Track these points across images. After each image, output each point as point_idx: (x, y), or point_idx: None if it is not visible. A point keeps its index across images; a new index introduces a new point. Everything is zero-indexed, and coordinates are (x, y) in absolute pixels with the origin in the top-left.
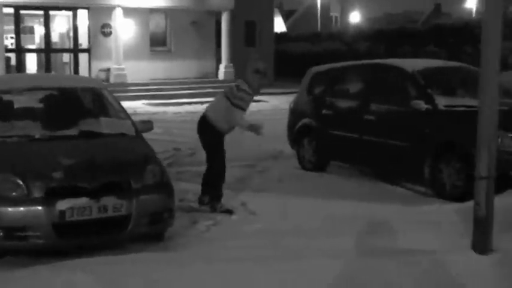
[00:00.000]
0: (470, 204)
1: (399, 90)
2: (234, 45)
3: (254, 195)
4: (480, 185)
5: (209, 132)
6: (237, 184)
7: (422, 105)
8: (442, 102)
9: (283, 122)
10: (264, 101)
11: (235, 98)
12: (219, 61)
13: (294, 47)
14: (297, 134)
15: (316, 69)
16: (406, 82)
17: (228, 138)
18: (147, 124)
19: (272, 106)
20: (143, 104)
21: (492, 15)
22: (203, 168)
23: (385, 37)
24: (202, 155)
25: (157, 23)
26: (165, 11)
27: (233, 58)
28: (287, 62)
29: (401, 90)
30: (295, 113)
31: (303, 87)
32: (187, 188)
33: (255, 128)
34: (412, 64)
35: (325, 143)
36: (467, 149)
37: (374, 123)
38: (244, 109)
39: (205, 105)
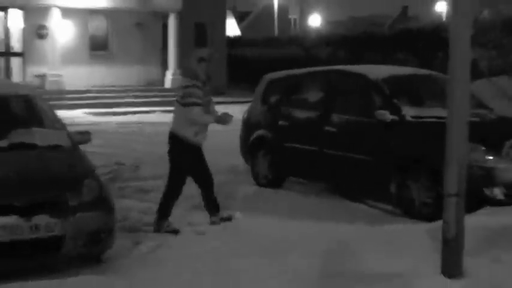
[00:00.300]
0: (440, 223)
1: (362, 100)
2: (183, 50)
3: (203, 214)
4: (449, 203)
5: (179, 145)
6: (184, 202)
7: (387, 116)
8: (409, 112)
9: (236, 134)
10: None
11: (184, 97)
12: (165, 67)
13: (249, 52)
14: (250, 147)
15: (271, 76)
16: (369, 91)
17: None
18: (85, 135)
19: None
20: (82, 113)
21: (461, 19)
22: (147, 183)
23: (349, 42)
24: (146, 169)
25: (98, 25)
26: (106, 12)
27: (181, 64)
28: (241, 68)
29: (365, 99)
30: (248, 124)
31: (258, 96)
32: (130, 206)
33: (223, 119)
34: (377, 71)
35: (281, 157)
36: (437, 163)
37: (335, 136)
38: (198, 104)
39: (151, 115)
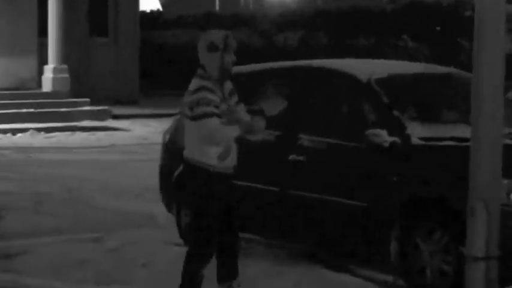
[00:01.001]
0: None
1: (347, 113)
2: (71, 34)
3: None
4: (475, 270)
5: (197, 177)
6: (75, 270)
7: (384, 137)
8: (417, 132)
9: (155, 165)
10: (123, 130)
11: (192, 108)
12: (43, 60)
13: (175, 37)
14: (176, 187)
15: None
16: (358, 98)
17: (55, 190)
18: None
19: (136, 138)
20: None
21: None
22: (14, 244)
23: (329, 23)
24: (12, 221)
25: None
26: None
27: (69, 56)
28: (162, 63)
29: (351, 112)
30: (172, 151)
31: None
32: None
33: (251, 127)
34: (370, 69)
35: None
36: (459, 210)
37: (305, 168)
38: (214, 114)
39: (21, 136)
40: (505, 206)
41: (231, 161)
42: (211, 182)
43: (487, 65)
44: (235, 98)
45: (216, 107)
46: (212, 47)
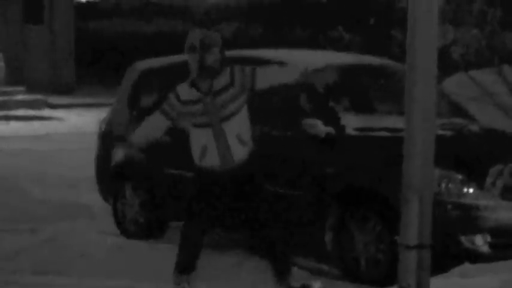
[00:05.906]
0: None
1: (282, 103)
2: (5, 21)
3: (35, 282)
4: (407, 259)
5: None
6: (11, 260)
7: (319, 127)
8: (352, 123)
9: (91, 154)
10: (58, 119)
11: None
12: None
13: (111, 27)
14: (113, 176)
15: (145, 65)
16: (293, 89)
17: None
18: None
19: (71, 127)
20: None
21: None
22: None
23: (266, 13)
24: None
25: None
26: None
27: (2, 44)
28: (98, 52)
29: (286, 102)
30: (108, 140)
31: (123, 96)
32: None
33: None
34: (305, 59)
35: (160, 191)
36: (392, 199)
37: None
38: (162, 112)
39: None
40: (437, 194)
41: (211, 159)
42: (196, 177)
43: (420, 56)
44: (211, 100)
45: (172, 108)
46: (191, 48)
